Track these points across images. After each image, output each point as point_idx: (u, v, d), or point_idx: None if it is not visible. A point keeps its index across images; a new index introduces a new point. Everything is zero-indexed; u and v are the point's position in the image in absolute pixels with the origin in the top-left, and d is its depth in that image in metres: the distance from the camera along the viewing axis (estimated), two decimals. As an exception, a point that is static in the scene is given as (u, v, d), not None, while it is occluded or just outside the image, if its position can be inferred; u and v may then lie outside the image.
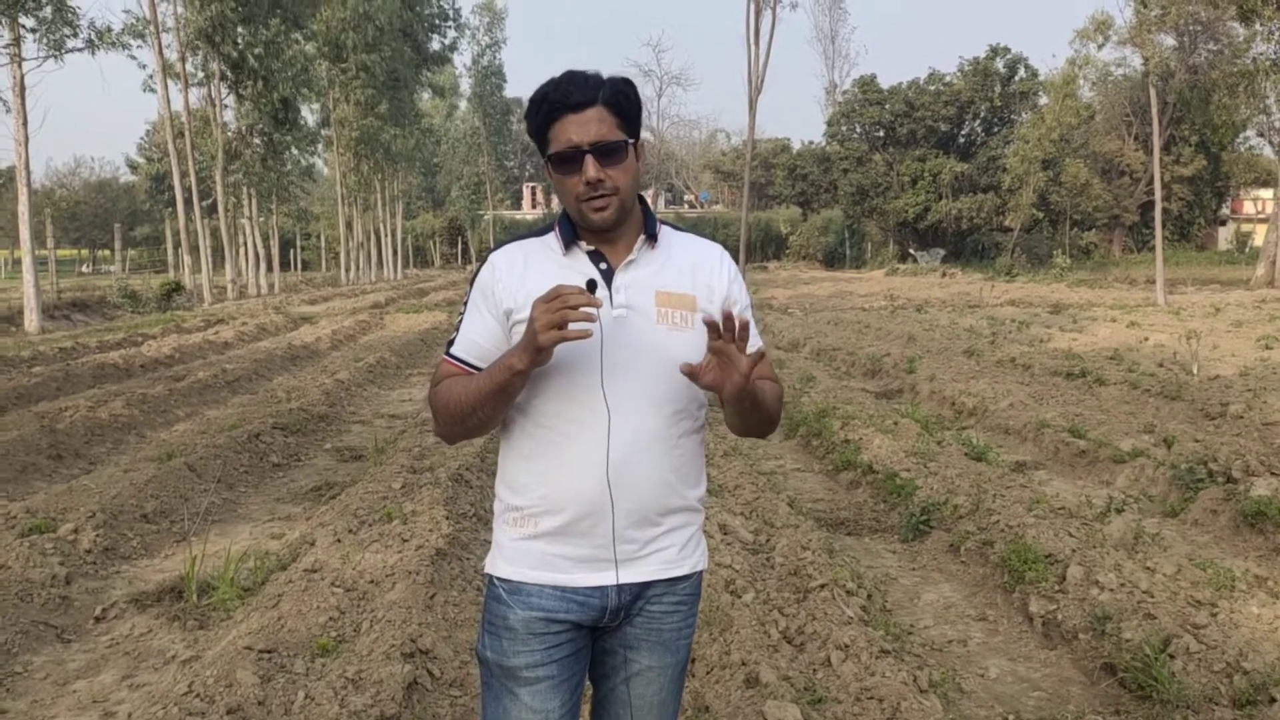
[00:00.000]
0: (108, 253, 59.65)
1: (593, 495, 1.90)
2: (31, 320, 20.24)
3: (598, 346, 1.87)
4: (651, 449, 1.92)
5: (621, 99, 1.90)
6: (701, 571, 2.10)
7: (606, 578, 1.94)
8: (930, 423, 9.02)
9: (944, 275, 40.29)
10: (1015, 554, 5.12)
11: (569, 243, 1.96)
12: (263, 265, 35.84)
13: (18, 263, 31.32)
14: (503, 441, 2.03)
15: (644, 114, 2.25)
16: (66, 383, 11.56)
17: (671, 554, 1.99)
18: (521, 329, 1.84)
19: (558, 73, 1.93)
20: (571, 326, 1.73)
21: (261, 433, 8.73)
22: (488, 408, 1.88)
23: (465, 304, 2.03)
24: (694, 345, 1.91)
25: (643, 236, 1.99)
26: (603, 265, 1.95)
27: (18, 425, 8.68)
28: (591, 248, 1.97)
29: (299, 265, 57.95)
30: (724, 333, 1.79)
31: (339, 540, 5.42)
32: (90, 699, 4.07)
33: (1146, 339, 15.86)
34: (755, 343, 2.03)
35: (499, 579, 1.99)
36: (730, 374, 1.82)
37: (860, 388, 11.83)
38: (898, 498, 6.66)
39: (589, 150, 1.86)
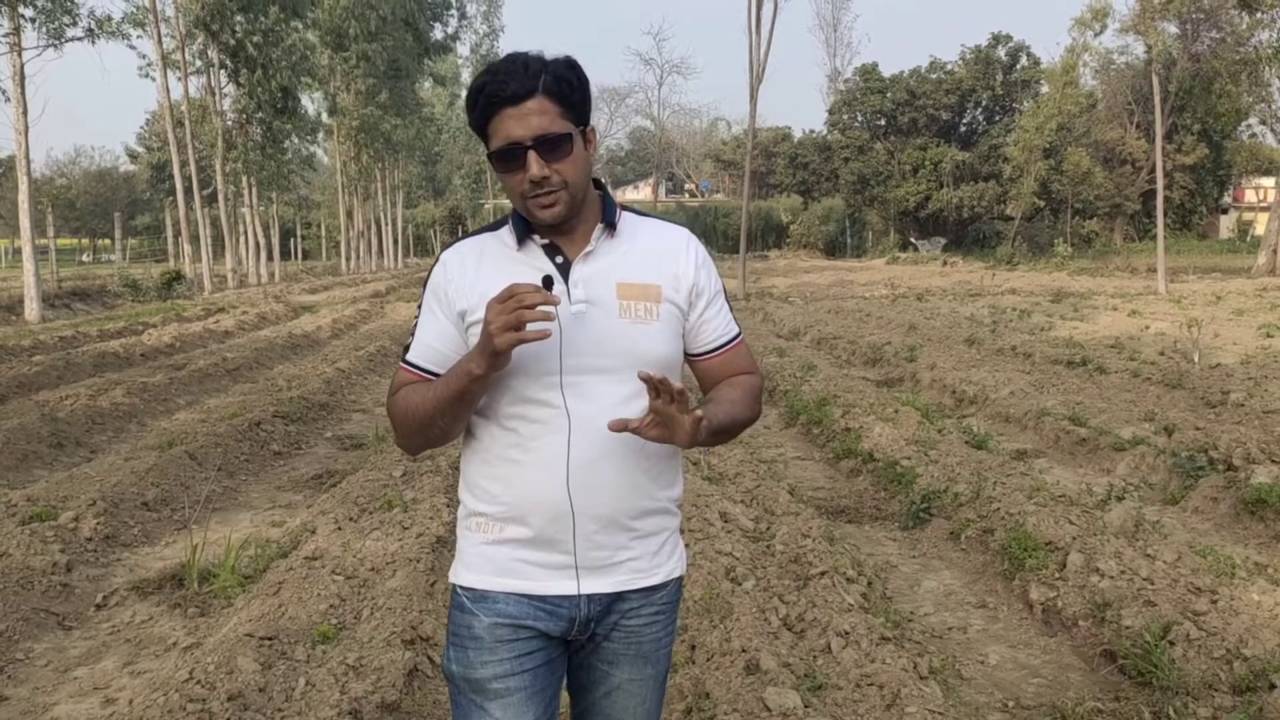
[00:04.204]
0: (108, 242, 59.68)
1: (554, 501, 1.80)
2: (32, 309, 20.25)
3: (556, 345, 1.77)
4: (618, 450, 1.80)
5: (564, 85, 1.76)
6: (680, 578, 1.99)
7: (573, 586, 1.84)
8: (931, 411, 9.02)
9: (945, 264, 40.25)
10: (1015, 541, 5.13)
11: (522, 237, 1.85)
12: (263, 254, 35.80)
13: (18, 252, 31.30)
14: (464, 446, 1.93)
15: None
16: (67, 371, 11.56)
17: (643, 562, 1.89)
18: (478, 330, 1.72)
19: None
20: (529, 327, 1.63)
21: (262, 421, 8.74)
22: (447, 416, 1.78)
23: (420, 308, 1.91)
24: (660, 338, 1.83)
25: (600, 225, 1.86)
26: (559, 259, 1.84)
27: (19, 414, 8.68)
28: (546, 241, 1.85)
29: (299, 254, 57.92)
30: (660, 395, 1.66)
31: (340, 528, 5.43)
32: (91, 685, 4.08)
33: (1148, 327, 15.84)
34: (729, 330, 1.96)
35: (463, 588, 1.89)
36: (676, 431, 1.69)
37: (861, 376, 11.82)
38: (898, 485, 6.67)
39: (531, 146, 1.73)
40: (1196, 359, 11.45)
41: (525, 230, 1.86)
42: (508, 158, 1.76)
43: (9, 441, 7.78)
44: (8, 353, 12.93)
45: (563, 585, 1.84)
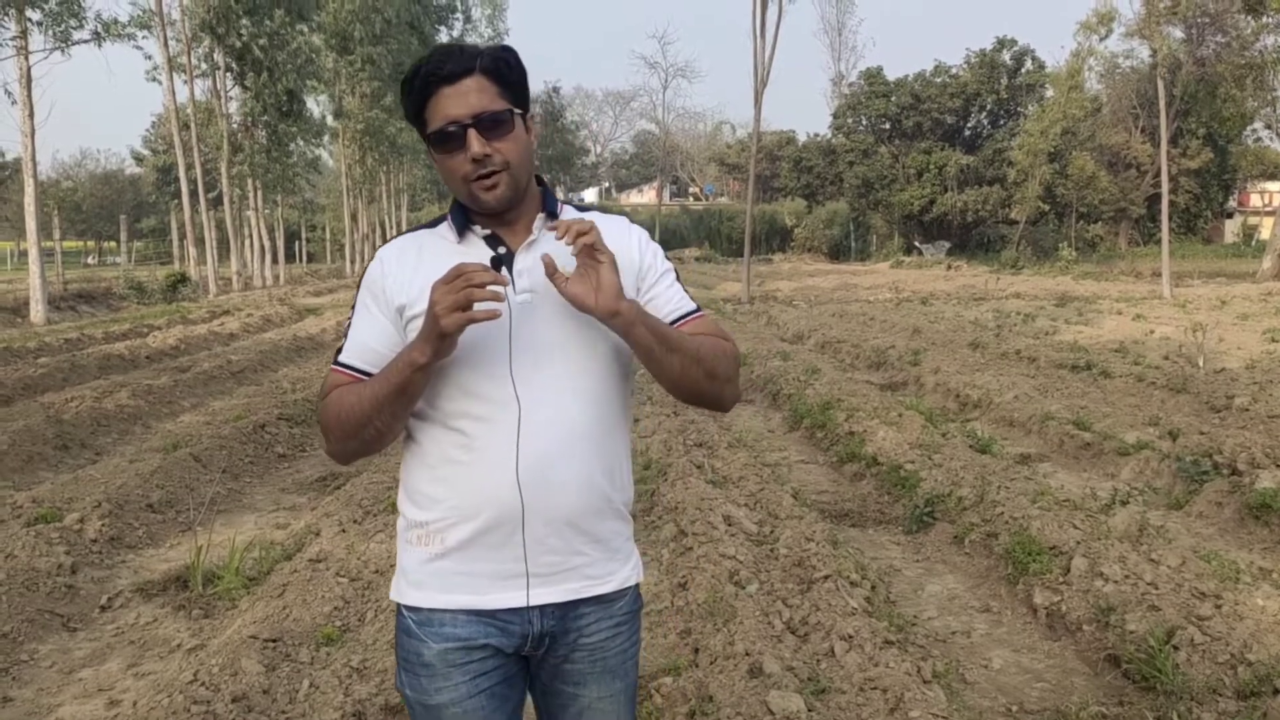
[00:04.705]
0: (113, 244, 59.77)
1: (503, 499, 1.71)
2: (37, 311, 20.30)
3: (505, 335, 1.71)
4: (571, 446, 1.74)
5: (502, 66, 1.73)
6: (636, 586, 1.91)
7: (522, 597, 1.76)
8: (935, 415, 9.01)
9: (949, 268, 40.24)
10: (1019, 546, 5.12)
11: (463, 229, 1.80)
12: (268, 257, 35.84)
13: (24, 254, 31.41)
14: (404, 451, 1.84)
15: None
16: (72, 373, 11.58)
17: (596, 569, 1.80)
18: (418, 325, 1.66)
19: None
20: (478, 307, 1.57)
21: (266, 423, 8.75)
22: (386, 414, 1.69)
23: (354, 307, 1.84)
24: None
25: (542, 215, 1.82)
26: (501, 249, 1.79)
27: (24, 416, 8.70)
28: (488, 231, 1.80)
29: (304, 257, 58.03)
30: (567, 240, 1.64)
31: (343, 530, 5.44)
32: (96, 687, 4.09)
33: (1152, 332, 15.82)
34: (684, 304, 1.87)
35: (407, 608, 1.81)
36: (600, 291, 1.65)
37: (865, 380, 11.81)
38: (902, 489, 6.66)
39: (471, 124, 1.69)
40: (1201, 363, 11.43)
41: (465, 221, 1.81)
42: (447, 139, 1.72)
43: (14, 443, 7.80)
44: (13, 355, 12.96)
45: (511, 597, 1.75)
